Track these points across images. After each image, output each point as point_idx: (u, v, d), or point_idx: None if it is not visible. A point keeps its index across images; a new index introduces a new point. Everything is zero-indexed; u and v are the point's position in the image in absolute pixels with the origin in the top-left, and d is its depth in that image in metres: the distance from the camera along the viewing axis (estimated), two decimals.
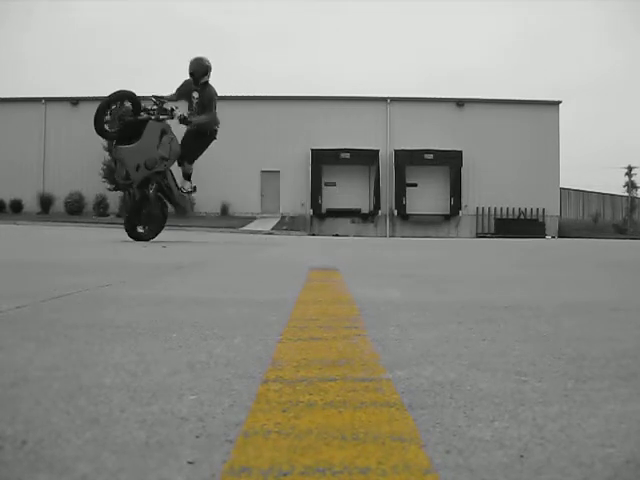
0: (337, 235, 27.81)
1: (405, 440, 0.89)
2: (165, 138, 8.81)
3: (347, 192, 34.06)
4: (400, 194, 33.72)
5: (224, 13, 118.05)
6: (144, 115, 8.82)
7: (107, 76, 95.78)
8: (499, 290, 3.19)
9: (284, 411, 1.01)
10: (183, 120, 8.82)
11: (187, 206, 9.46)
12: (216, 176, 33.92)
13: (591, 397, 1.14)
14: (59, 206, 32.88)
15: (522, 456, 0.84)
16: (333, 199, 33.87)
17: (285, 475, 0.76)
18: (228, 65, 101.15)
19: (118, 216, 30.63)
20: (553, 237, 30.87)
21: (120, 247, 7.88)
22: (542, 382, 1.24)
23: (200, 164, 36.87)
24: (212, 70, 8.96)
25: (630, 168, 40.13)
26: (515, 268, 5.42)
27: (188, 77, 8.92)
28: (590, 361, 1.44)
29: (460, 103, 33.47)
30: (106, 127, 8.96)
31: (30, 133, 34.36)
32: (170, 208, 9.70)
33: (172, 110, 8.77)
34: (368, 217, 33.93)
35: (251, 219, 31.79)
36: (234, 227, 26.81)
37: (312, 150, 33.55)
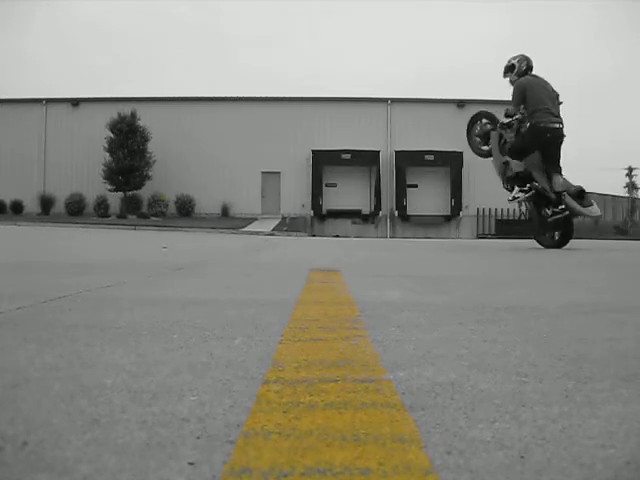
0: (337, 236, 27.80)
1: (406, 441, 0.89)
2: (507, 144, 9.01)
3: (348, 193, 34.05)
4: (401, 195, 33.72)
5: (225, 14, 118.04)
6: (489, 127, 9.37)
7: (107, 77, 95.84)
8: (500, 290, 3.19)
9: (285, 412, 1.01)
10: (506, 114, 8.94)
11: (576, 208, 8.40)
12: (217, 177, 33.98)
13: (592, 398, 1.14)
14: (60, 207, 32.90)
15: (523, 457, 0.84)
16: (334, 200, 33.86)
17: (286, 476, 0.77)
18: (228, 66, 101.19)
19: (119, 217, 30.69)
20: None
21: (122, 248, 7.88)
22: (543, 383, 1.24)
23: (201, 165, 36.72)
24: (520, 66, 8.84)
25: (630, 169, 40.15)
26: (515, 269, 5.42)
27: None
28: (591, 362, 1.44)
29: (460, 104, 33.45)
30: (479, 147, 9.65)
31: (31, 134, 34.39)
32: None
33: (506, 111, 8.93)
34: (369, 218, 33.92)
35: (252, 220, 31.79)
36: (235, 228, 26.82)
37: (313, 151, 33.56)
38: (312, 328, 1.85)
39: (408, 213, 33.80)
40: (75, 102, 34.49)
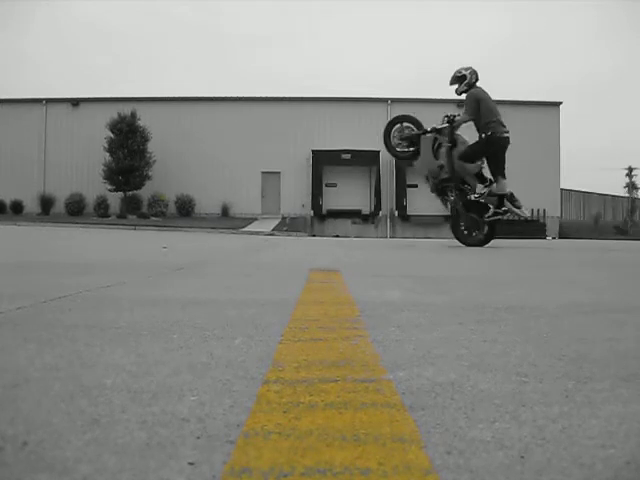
0: (337, 236, 27.80)
1: (406, 441, 0.89)
2: (442, 148, 9.76)
3: (348, 193, 34.04)
4: (401, 195, 33.70)
5: (225, 14, 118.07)
6: (419, 131, 10.08)
7: (107, 77, 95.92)
8: (500, 290, 3.19)
9: (285, 412, 1.01)
10: (448, 121, 9.85)
11: (512, 209, 9.60)
12: (217, 177, 33.99)
13: (592, 398, 1.14)
14: (60, 207, 32.91)
15: (523, 457, 0.84)
16: (334, 200, 33.86)
17: (286, 476, 0.77)
18: (228, 66, 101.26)
19: (119, 217, 30.70)
20: (554, 238, 30.85)
21: (122, 248, 7.88)
22: (543, 383, 1.24)
23: (201, 165, 36.59)
24: (471, 77, 9.63)
25: (630, 169, 40.13)
26: (515, 269, 5.42)
27: None
28: (591, 362, 1.44)
29: (461, 104, 33.28)
30: (398, 149, 10.31)
31: (31, 134, 34.39)
32: None
33: (449, 117, 9.83)
34: (369, 218, 33.91)
35: (252, 220, 31.80)
36: (235, 228, 26.82)
37: (313, 151, 33.55)
38: (312, 328, 1.85)
39: (408, 213, 33.77)
40: (75, 102, 34.49)
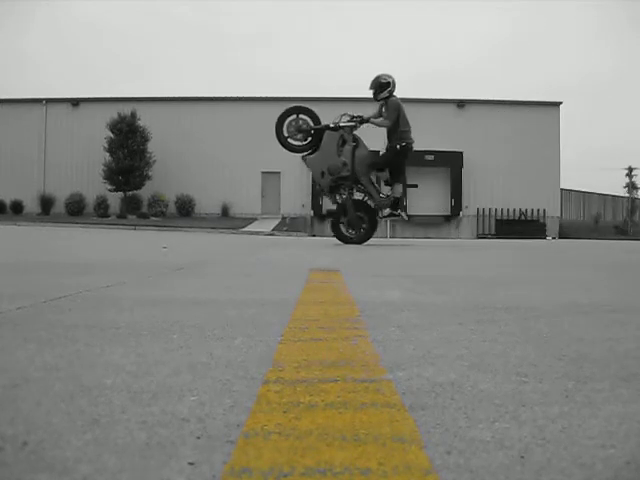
0: None
1: (406, 441, 0.89)
2: (347, 146, 10.01)
3: None
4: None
5: (225, 14, 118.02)
6: (322, 125, 10.13)
7: (107, 77, 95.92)
8: (499, 291, 3.19)
9: (285, 412, 1.01)
10: (359, 120, 10.19)
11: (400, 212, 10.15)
12: (217, 177, 33.99)
13: (592, 398, 1.14)
14: (60, 207, 32.91)
15: (523, 457, 0.84)
16: None
17: (286, 476, 0.77)
18: (228, 66, 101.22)
19: (119, 217, 30.70)
20: (554, 238, 30.85)
21: (122, 248, 7.88)
22: (543, 383, 1.24)
23: (201, 165, 36.55)
24: (393, 86, 9.94)
25: (630, 169, 40.10)
26: (515, 269, 5.42)
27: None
28: (591, 362, 1.44)
29: (460, 104, 33.46)
30: (290, 140, 10.23)
31: (31, 134, 34.39)
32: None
33: (356, 117, 10.14)
34: None
35: (252, 220, 31.79)
36: (235, 228, 26.81)
37: None
38: (312, 328, 1.85)
39: (408, 213, 33.74)
40: (75, 102, 34.48)
